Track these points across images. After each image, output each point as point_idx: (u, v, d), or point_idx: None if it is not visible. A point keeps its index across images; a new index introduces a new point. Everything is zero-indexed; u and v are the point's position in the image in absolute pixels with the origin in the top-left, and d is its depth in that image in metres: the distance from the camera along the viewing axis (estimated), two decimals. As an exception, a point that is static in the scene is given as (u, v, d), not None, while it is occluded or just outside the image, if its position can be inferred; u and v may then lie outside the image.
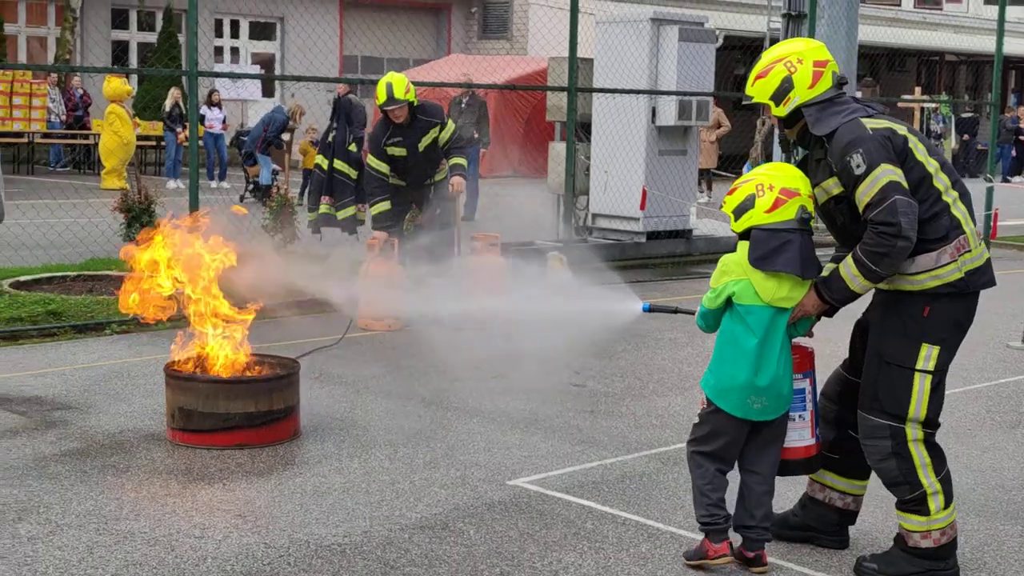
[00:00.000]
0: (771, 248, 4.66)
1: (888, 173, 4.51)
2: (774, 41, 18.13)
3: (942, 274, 4.62)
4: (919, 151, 4.65)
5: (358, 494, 5.65)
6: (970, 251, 4.65)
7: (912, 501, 4.73)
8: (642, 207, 13.58)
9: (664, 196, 13.78)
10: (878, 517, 5.47)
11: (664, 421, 7.00)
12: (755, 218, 4.71)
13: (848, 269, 4.64)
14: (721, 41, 15.42)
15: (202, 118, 22.20)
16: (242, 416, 6.33)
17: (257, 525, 5.20)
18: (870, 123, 4.64)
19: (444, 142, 9.91)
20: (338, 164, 10.53)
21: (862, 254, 4.58)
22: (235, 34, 31.77)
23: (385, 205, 9.76)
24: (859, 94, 21.98)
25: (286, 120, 20.23)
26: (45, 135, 25.04)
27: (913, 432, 4.68)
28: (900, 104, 27.67)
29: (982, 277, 4.70)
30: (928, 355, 4.64)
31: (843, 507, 5.09)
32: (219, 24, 31.10)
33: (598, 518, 5.43)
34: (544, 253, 12.00)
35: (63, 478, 5.76)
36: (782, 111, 4.78)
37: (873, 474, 4.91)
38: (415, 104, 9.69)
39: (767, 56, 4.87)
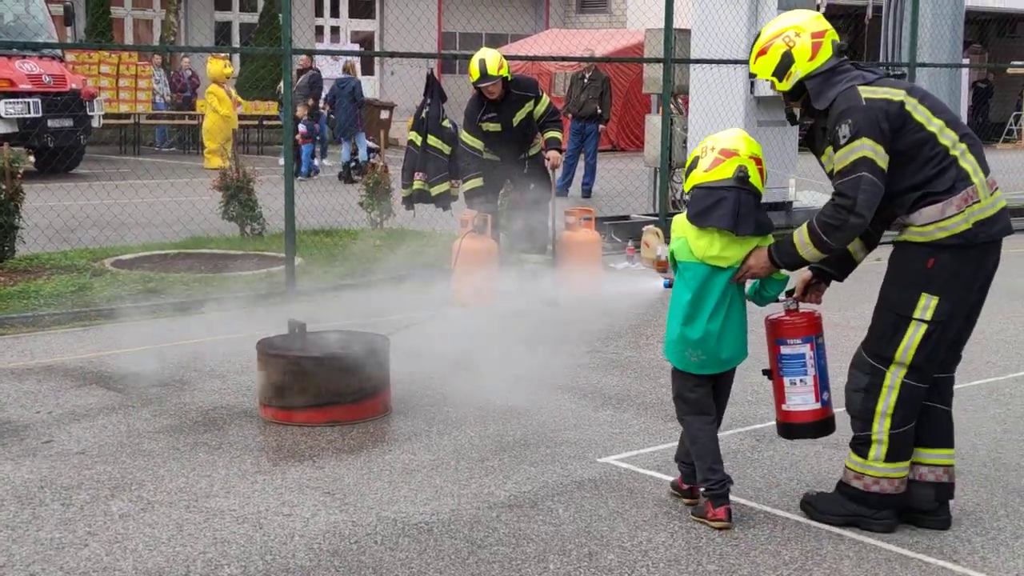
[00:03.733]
0: (706, 205, 4.83)
1: (866, 148, 4.57)
2: (877, 9, 17.71)
3: (948, 225, 4.62)
4: (919, 112, 4.67)
5: (447, 471, 5.61)
6: (979, 202, 4.64)
7: (858, 440, 4.86)
8: (740, 179, 13.32)
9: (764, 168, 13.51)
10: (982, 496, 5.30)
11: (759, 397, 6.84)
12: (696, 177, 4.92)
13: (801, 236, 4.75)
14: (824, 10, 15.03)
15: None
16: (333, 393, 6.33)
17: (345, 503, 5.19)
18: (867, 91, 4.67)
19: (539, 115, 9.82)
20: (432, 140, 10.49)
21: (816, 223, 4.68)
22: (335, 13, 32.01)
23: (477, 182, 9.70)
24: (967, 60, 21.40)
25: (352, 79, 20.64)
26: (150, 116, 25.46)
27: (893, 377, 4.74)
28: (1010, 71, 26.87)
29: (993, 226, 4.69)
30: (926, 305, 4.66)
31: (936, 480, 4.94)
32: (319, 4, 31.38)
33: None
34: (640, 227, 11.87)
35: (156, 455, 5.81)
36: (785, 86, 4.86)
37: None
38: (509, 79, 9.61)
39: (765, 32, 4.93)
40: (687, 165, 5.02)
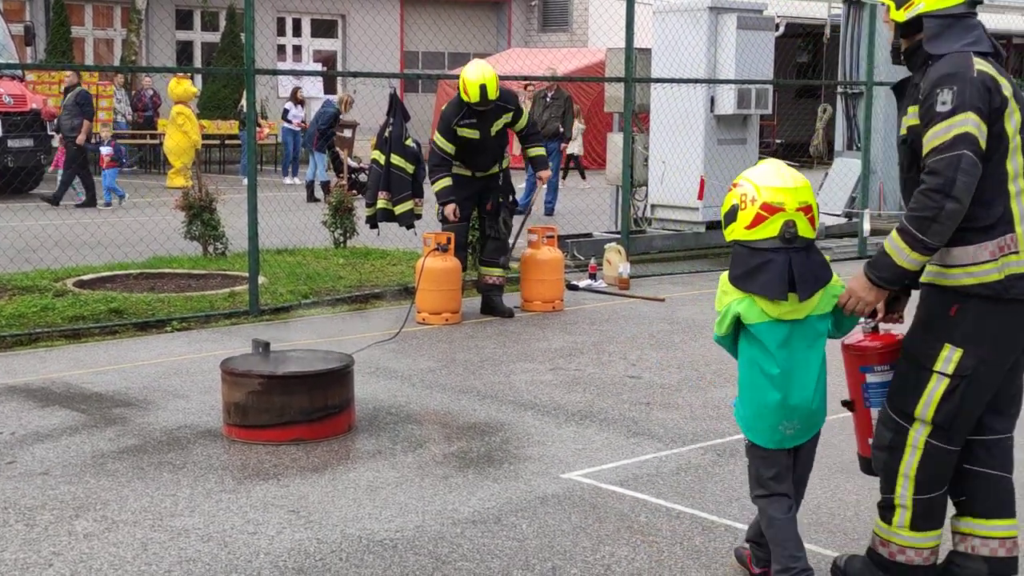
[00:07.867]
0: (750, 267, 4.20)
1: (970, 123, 3.94)
2: (835, 29, 17.91)
3: (977, 272, 4.05)
4: (1011, 121, 4.06)
5: (411, 488, 5.65)
6: (1016, 253, 4.06)
7: (882, 503, 4.38)
8: (700, 197, 13.48)
9: (724, 185, 13.66)
10: None
11: (721, 412, 6.93)
12: (737, 232, 4.25)
13: (893, 242, 4.07)
14: (782, 29, 15.15)
15: (285, 113, 22.80)
16: (297, 411, 6.36)
17: (310, 520, 5.22)
18: (981, 64, 4.03)
19: (520, 129, 9.91)
20: (395, 159, 10.48)
21: (907, 221, 4.01)
22: (297, 32, 32.03)
23: (447, 181, 9.70)
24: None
25: (336, 112, 20.56)
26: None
27: (916, 436, 4.22)
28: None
29: None
30: (949, 357, 4.12)
31: (990, 554, 4.35)
32: (281, 23, 31.39)
33: (652, 511, 5.38)
34: (602, 244, 11.96)
35: (120, 475, 5.81)
36: (901, 16, 4.19)
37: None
38: None
39: None
40: (724, 211, 4.30)
